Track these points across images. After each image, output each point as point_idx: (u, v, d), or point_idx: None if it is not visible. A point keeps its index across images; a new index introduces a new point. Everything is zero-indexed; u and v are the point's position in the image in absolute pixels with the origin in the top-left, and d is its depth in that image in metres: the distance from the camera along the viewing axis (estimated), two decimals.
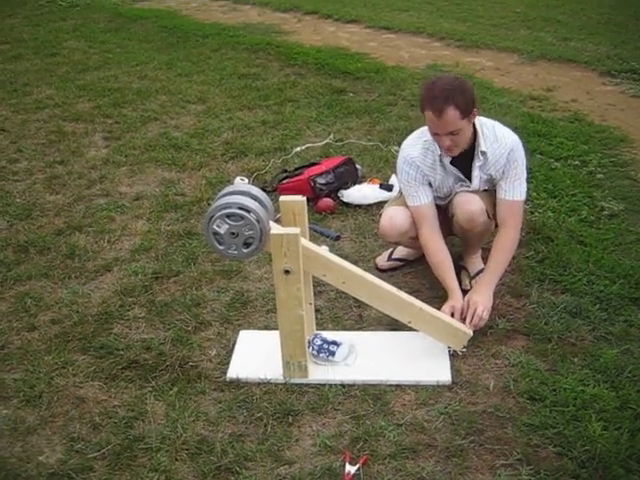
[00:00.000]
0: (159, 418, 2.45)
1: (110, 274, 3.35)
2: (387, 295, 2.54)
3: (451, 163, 2.87)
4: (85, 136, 5.17)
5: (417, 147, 2.89)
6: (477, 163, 2.84)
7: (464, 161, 2.85)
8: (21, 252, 3.57)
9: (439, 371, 2.59)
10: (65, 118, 5.56)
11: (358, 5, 9.86)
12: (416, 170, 2.89)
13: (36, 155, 4.84)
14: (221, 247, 2.39)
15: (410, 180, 2.91)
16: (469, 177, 2.90)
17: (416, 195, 2.92)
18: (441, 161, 2.87)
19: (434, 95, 2.62)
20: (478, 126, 2.80)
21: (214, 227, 2.34)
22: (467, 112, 2.64)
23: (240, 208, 2.32)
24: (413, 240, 3.02)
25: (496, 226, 2.95)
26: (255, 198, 2.39)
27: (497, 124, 2.87)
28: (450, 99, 2.59)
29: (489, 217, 2.92)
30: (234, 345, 2.79)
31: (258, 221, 2.32)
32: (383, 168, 4.29)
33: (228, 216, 2.32)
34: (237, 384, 2.59)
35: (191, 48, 7.64)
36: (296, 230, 2.35)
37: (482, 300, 2.73)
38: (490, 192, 2.94)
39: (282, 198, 2.51)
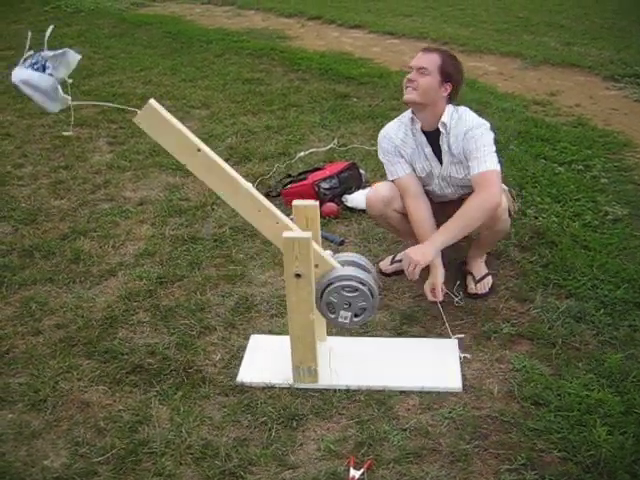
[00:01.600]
0: (164, 422, 2.45)
1: (115, 279, 3.36)
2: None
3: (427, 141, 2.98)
4: (89, 141, 5.19)
5: (393, 122, 3.07)
6: (442, 137, 2.90)
7: (434, 141, 2.94)
8: (26, 257, 3.58)
9: (449, 378, 2.59)
10: (70, 123, 5.56)
11: (362, 10, 9.88)
12: (389, 142, 3.03)
13: (41, 160, 4.86)
14: (332, 316, 2.53)
15: (386, 154, 3.05)
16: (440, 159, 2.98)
17: (393, 169, 3.04)
18: (413, 133, 2.98)
19: (436, 47, 3.02)
20: (450, 108, 2.90)
21: (330, 298, 2.48)
22: (445, 74, 2.83)
23: (360, 282, 2.46)
24: (399, 215, 3.07)
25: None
26: (364, 269, 2.55)
27: (468, 110, 2.94)
28: (441, 53, 2.87)
29: (510, 215, 2.98)
30: (239, 349, 2.79)
31: (372, 293, 2.47)
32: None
33: (344, 288, 2.46)
34: (241, 389, 2.59)
35: (195, 53, 7.66)
36: (308, 234, 2.35)
37: (411, 253, 2.74)
38: (507, 191, 3.04)
39: (295, 202, 2.51)
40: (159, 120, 2.27)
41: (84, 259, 3.52)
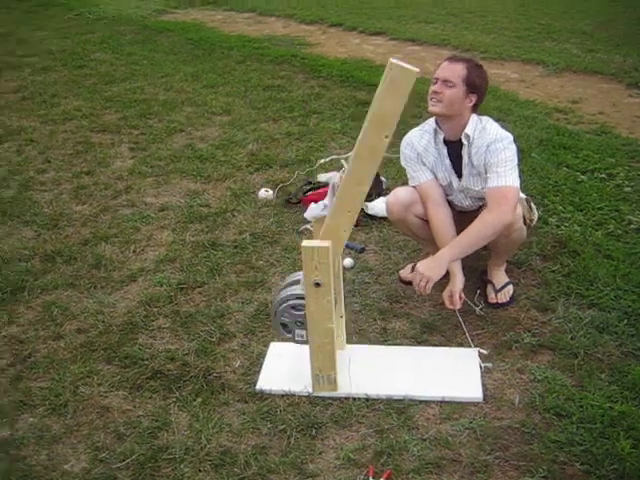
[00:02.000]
0: (183, 429, 2.46)
1: (135, 284, 3.38)
2: None
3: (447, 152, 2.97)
4: (111, 147, 5.22)
5: (416, 130, 3.07)
6: (464, 149, 2.89)
7: (456, 152, 2.92)
8: (48, 261, 3.60)
9: (470, 387, 2.57)
10: (92, 129, 5.63)
11: (383, 17, 9.87)
12: (411, 149, 3.03)
13: (63, 165, 4.90)
14: (289, 335, 2.57)
15: (408, 160, 3.06)
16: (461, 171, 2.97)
17: (415, 175, 3.04)
18: (435, 142, 2.97)
19: (462, 56, 2.99)
20: (474, 118, 2.89)
21: (282, 319, 2.53)
22: (471, 85, 2.80)
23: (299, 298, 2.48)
24: (420, 221, 3.06)
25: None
26: None
27: (491, 121, 2.93)
28: (468, 63, 2.83)
29: (525, 223, 2.95)
30: (258, 356, 2.79)
31: None
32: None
33: (293, 307, 2.49)
34: (261, 396, 2.59)
35: (216, 60, 7.69)
36: (327, 243, 2.34)
37: (421, 269, 2.72)
38: (524, 199, 3.01)
39: None
40: (405, 86, 2.15)
41: (105, 264, 3.54)
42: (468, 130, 2.85)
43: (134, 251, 3.67)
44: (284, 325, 2.54)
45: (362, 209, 3.91)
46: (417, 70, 2.13)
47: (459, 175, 2.97)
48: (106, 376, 2.74)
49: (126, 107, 6.13)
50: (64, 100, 6.45)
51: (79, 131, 5.60)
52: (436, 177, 3.02)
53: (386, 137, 2.22)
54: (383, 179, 4.18)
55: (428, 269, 2.70)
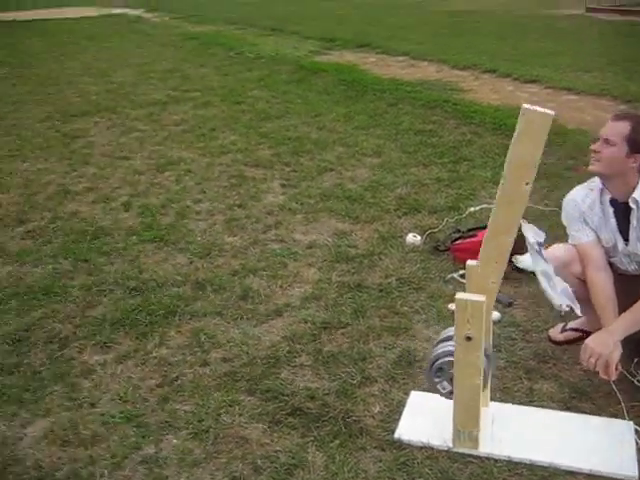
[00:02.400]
0: (319, 469, 2.45)
1: (280, 319, 3.44)
2: None
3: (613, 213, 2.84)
4: (264, 182, 5.41)
5: (581, 188, 2.96)
6: (633, 213, 2.74)
7: (623, 213, 2.79)
8: (198, 289, 3.75)
9: (623, 463, 2.40)
10: (246, 163, 5.86)
11: (538, 65, 9.67)
12: (574, 207, 2.93)
13: (218, 197, 5.13)
14: (436, 380, 2.50)
15: (570, 218, 2.96)
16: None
17: (577, 235, 2.93)
18: (601, 202, 2.85)
19: (628, 113, 2.92)
20: None
21: (444, 365, 2.46)
22: (635, 144, 2.64)
23: None
24: (576, 280, 2.92)
25: None
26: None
27: None
28: (632, 119, 2.69)
29: None
30: (398, 404, 2.75)
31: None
32: (561, 235, 4.11)
33: None
34: (399, 445, 2.54)
35: (368, 102, 7.82)
36: (482, 297, 2.29)
37: (592, 345, 2.62)
38: None
39: (469, 262, 2.46)
40: (542, 131, 2.14)
41: (252, 297, 3.64)
42: (637, 194, 2.71)
43: (281, 286, 3.75)
44: (440, 369, 2.46)
45: (512, 262, 3.80)
46: (553, 113, 2.09)
47: (625, 238, 2.83)
48: (247, 407, 2.80)
49: (279, 144, 6.35)
50: (222, 134, 6.78)
51: (234, 164, 5.85)
52: (599, 238, 2.89)
53: (527, 184, 2.21)
54: (542, 233, 4.04)
55: (598, 345, 2.61)
